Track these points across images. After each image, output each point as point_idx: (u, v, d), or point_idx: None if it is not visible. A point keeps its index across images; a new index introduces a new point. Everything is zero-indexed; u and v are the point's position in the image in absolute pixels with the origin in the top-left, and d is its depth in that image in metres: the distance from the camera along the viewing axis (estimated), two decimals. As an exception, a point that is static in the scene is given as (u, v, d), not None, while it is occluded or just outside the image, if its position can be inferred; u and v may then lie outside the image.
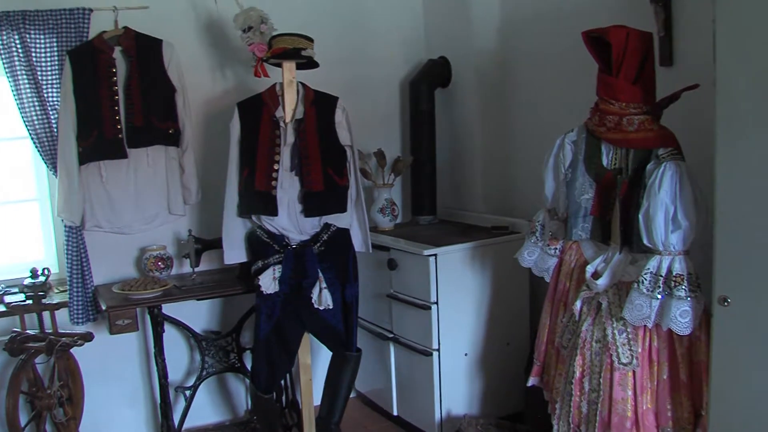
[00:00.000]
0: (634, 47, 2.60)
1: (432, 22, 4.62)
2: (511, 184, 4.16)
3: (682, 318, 2.45)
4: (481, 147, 4.29)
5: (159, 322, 3.59)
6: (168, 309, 3.72)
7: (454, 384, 3.73)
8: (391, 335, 3.95)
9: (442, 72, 4.45)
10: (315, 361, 4.04)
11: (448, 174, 4.53)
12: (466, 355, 3.73)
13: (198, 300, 3.76)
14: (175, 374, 4.01)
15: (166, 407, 3.68)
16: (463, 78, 4.38)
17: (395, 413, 4.07)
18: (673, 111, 2.70)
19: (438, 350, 3.64)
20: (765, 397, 2.21)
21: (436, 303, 3.60)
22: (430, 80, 4.41)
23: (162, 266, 3.88)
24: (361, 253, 3.69)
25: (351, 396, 3.88)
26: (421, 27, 4.67)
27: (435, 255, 3.57)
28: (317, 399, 3.76)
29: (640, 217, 2.51)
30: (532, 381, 3.13)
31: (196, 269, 3.83)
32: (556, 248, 2.93)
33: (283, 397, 4.00)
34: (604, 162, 2.73)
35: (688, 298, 2.46)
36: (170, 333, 3.92)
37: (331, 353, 3.70)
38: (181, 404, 3.87)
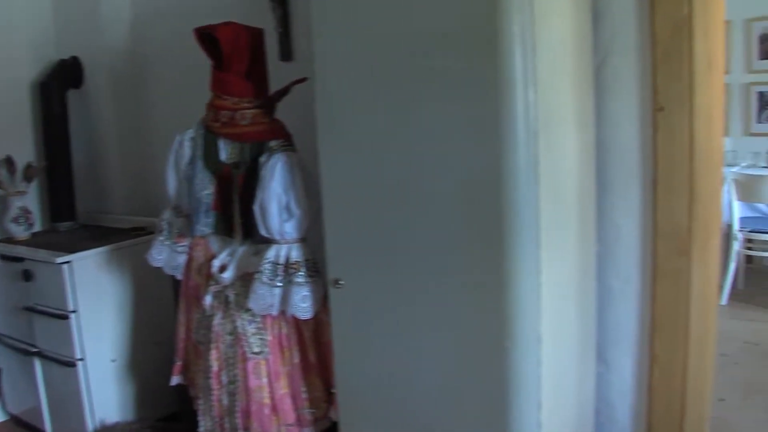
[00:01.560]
0: (243, 43, 2.65)
1: (62, 20, 4.36)
2: (150, 183, 4.08)
3: (302, 303, 2.56)
4: (118, 147, 4.16)
5: None
6: None
7: (104, 392, 3.59)
8: (35, 350, 3.71)
9: (73, 72, 4.25)
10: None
11: (87, 177, 4.33)
12: (113, 361, 3.61)
13: None
14: None
15: None
16: (95, 77, 4.20)
17: (49, 431, 3.85)
18: (290, 104, 2.79)
19: (83, 360, 3.48)
20: (381, 367, 2.38)
21: (75, 311, 3.44)
22: (60, 81, 4.19)
23: None
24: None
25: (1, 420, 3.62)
26: (51, 25, 4.40)
27: (69, 262, 3.41)
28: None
29: (256, 208, 2.58)
30: (175, 380, 3.11)
31: None
32: (185, 245, 2.92)
33: None
34: (222, 157, 2.76)
35: (307, 284, 2.57)
36: None
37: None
38: None
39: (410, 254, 2.22)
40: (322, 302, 2.60)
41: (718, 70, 2.54)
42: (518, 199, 1.99)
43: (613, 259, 2.59)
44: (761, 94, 7.51)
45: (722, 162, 2.77)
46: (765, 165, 5.83)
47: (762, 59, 7.48)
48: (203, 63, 2.89)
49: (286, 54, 3.22)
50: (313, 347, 2.74)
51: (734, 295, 5.42)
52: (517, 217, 1.99)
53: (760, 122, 7.55)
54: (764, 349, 4.49)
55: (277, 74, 2.86)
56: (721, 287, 5.28)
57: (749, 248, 5.61)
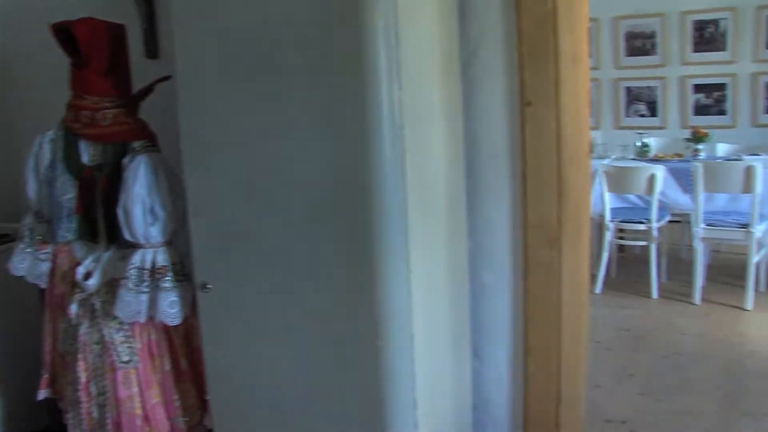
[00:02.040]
0: (102, 39, 2.54)
1: None
2: (15, 187, 3.87)
3: (171, 309, 2.47)
4: (-23, 149, 3.94)
5: None
6: None
7: (-35, 411, 3.40)
8: None
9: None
10: None
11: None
12: (-26, 378, 3.42)
13: None
14: None
15: None
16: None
17: None
18: (154, 103, 2.69)
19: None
20: (254, 371, 2.32)
21: (-70, 327, 3.23)
22: None
23: None
24: None
25: None
26: None
27: (-77, 274, 3.20)
28: None
29: (120, 212, 2.47)
30: (42, 393, 2.95)
31: None
32: (47, 252, 2.78)
33: None
34: (84, 159, 2.63)
35: (175, 289, 2.48)
36: None
37: None
38: None
39: (278, 256, 2.17)
40: (191, 307, 2.52)
41: (584, 64, 2.58)
42: (384, 197, 1.97)
43: (485, 253, 2.61)
44: (629, 89, 7.80)
45: (590, 154, 2.82)
46: (634, 157, 6.04)
47: (629, 56, 7.77)
48: (66, 63, 2.76)
49: (152, 51, 3.11)
50: (185, 354, 2.65)
51: (607, 283, 5.61)
52: (384, 215, 1.97)
53: (628, 116, 7.85)
54: (636, 335, 4.65)
55: (144, 72, 2.75)
56: (594, 277, 5.45)
57: (621, 238, 5.81)
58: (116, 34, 2.61)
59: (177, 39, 2.25)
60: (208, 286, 2.30)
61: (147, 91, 2.65)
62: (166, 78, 2.58)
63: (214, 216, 2.27)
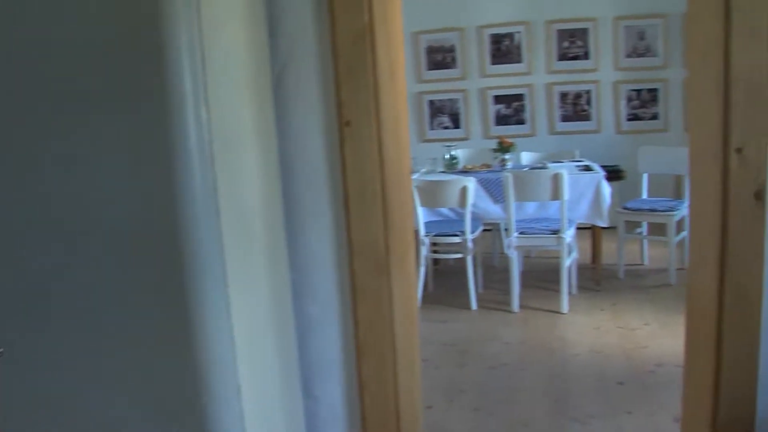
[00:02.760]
0: None
1: None
2: None
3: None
4: None
5: None
6: None
7: None
8: None
9: None
10: None
11: None
12: None
13: None
14: None
15: None
16: None
17: None
18: None
19: None
20: None
21: None
22: None
23: None
24: None
25: None
26: None
27: None
28: None
29: None
30: None
31: None
32: None
33: None
34: None
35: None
36: None
37: None
38: None
39: (74, 308, 1.86)
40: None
41: (400, 80, 2.46)
42: (197, 235, 1.72)
43: (310, 284, 2.43)
44: (432, 102, 7.90)
45: (411, 172, 2.71)
46: (443, 170, 6.05)
47: (430, 69, 7.87)
48: None
49: None
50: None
51: (426, 297, 5.58)
52: (198, 255, 1.73)
53: (432, 129, 7.94)
54: (461, 349, 4.62)
55: None
56: (414, 292, 5.41)
57: (435, 251, 5.80)
58: None
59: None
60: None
61: None
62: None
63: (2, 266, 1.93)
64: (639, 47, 7.51)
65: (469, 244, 5.27)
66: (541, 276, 6.03)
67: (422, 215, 5.36)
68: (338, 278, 2.41)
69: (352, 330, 2.43)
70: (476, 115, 7.91)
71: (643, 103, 7.59)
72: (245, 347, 1.89)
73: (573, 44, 7.58)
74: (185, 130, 1.69)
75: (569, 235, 5.10)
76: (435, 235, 5.37)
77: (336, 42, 2.27)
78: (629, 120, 7.64)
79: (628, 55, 7.54)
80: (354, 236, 2.36)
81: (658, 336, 4.56)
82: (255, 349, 2.01)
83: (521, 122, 7.79)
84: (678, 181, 7.36)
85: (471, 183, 5.19)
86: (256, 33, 2.21)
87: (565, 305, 5.14)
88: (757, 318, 2.17)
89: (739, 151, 2.09)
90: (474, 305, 5.36)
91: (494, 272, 6.21)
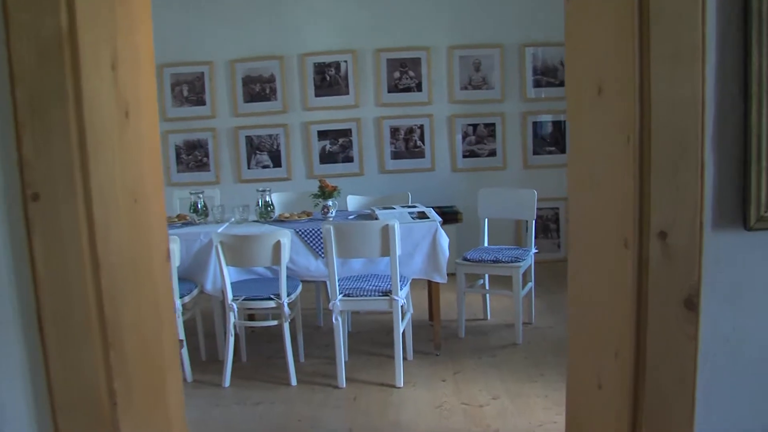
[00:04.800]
0: None
1: None
2: None
3: None
4: None
5: None
6: None
7: None
8: None
9: None
10: None
11: None
12: None
13: None
14: None
15: None
16: None
17: None
18: None
19: None
20: None
21: None
22: None
23: None
24: None
25: None
26: None
27: None
28: None
29: None
30: None
31: None
32: None
33: None
34: None
35: None
36: None
37: None
38: None
39: None
40: None
41: (146, 119, 1.62)
42: None
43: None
44: (250, 139, 7.05)
45: (169, 258, 1.85)
46: (256, 219, 5.20)
47: (248, 102, 7.04)
48: None
49: None
50: None
51: (237, 371, 4.66)
52: None
53: (250, 168, 7.09)
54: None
55: None
56: (220, 365, 4.53)
57: (251, 316, 4.94)
58: None
59: None
60: None
61: None
62: None
63: None
64: (475, 79, 6.97)
65: (286, 309, 4.41)
66: (372, 337, 5.26)
67: (229, 275, 4.45)
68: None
69: None
70: (299, 153, 7.10)
71: (480, 139, 7.05)
72: None
73: (405, 75, 6.95)
74: None
75: (402, 295, 4.35)
76: (245, 299, 4.47)
77: (12, 55, 1.40)
78: (465, 157, 7.07)
79: (464, 87, 6.99)
80: (55, 379, 1.47)
81: (510, 413, 3.87)
82: None
83: (349, 159, 7.06)
84: (519, 226, 6.85)
85: (286, 237, 4.35)
86: None
87: (400, 378, 4.37)
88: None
89: (662, 236, 1.39)
90: (293, 380, 4.49)
91: (319, 335, 5.40)
